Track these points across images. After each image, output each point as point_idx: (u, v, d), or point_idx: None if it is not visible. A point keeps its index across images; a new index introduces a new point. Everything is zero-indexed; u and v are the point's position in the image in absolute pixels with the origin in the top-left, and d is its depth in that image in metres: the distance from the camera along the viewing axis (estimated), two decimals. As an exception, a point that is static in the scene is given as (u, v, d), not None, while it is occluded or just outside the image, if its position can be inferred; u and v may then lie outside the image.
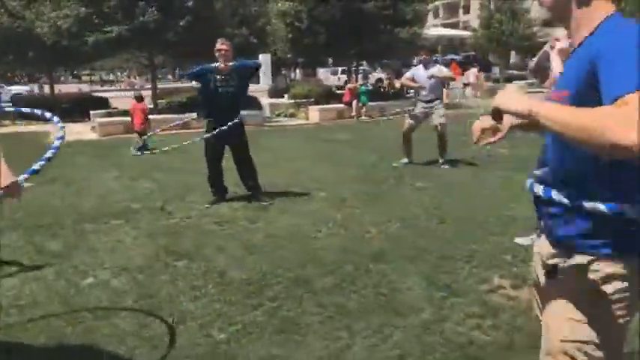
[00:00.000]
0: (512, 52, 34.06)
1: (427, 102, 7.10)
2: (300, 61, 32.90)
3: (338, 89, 20.27)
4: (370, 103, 15.50)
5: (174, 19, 13.09)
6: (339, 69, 29.70)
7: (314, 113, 14.98)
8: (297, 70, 41.25)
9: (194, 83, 6.10)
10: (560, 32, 3.70)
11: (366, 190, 5.93)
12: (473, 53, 30.98)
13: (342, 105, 15.51)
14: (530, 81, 31.34)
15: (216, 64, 5.28)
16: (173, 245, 4.26)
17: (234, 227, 4.72)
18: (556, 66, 3.62)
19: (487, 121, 1.64)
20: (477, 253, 3.89)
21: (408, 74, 7.52)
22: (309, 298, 3.22)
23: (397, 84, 21.91)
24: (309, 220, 4.84)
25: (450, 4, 67.81)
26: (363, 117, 15.03)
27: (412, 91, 8.43)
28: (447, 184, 6.17)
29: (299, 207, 5.33)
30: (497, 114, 1.43)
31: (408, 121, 7.31)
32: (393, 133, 10.96)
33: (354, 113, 15.06)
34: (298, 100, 17.22)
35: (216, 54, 5.31)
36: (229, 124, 5.22)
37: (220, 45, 5.29)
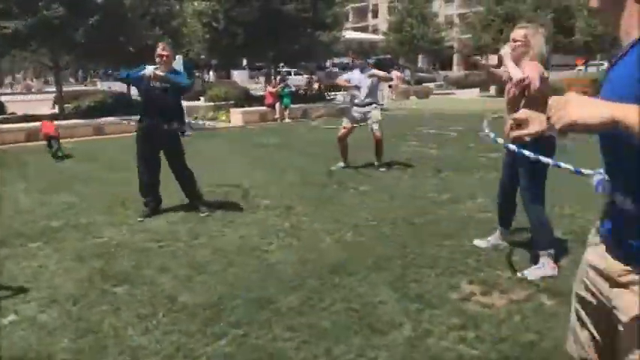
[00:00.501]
0: (419, 56, 35.45)
1: (363, 106, 6.99)
2: (214, 62, 32.08)
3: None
4: (292, 106, 15.31)
5: (81, 17, 12.08)
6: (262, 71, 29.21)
7: (237, 116, 14.52)
8: (211, 72, 40.24)
9: (104, 86, 5.61)
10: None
11: (310, 196, 5.69)
12: (389, 56, 31.89)
13: (264, 107, 15.18)
14: (439, 83, 32.82)
15: (147, 71, 4.84)
16: (108, 268, 3.76)
17: (175, 243, 4.29)
18: (511, 68, 3.57)
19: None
20: (439, 259, 3.78)
21: (344, 77, 7.38)
22: (278, 321, 2.92)
23: (316, 85, 21.95)
24: (257, 232, 4.51)
25: (359, 9, 69.40)
26: (287, 119, 14.81)
27: (346, 93, 8.32)
28: (389, 186, 6.08)
29: (243, 217, 4.98)
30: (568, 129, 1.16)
31: (345, 125, 7.16)
32: (321, 136, 10.87)
33: (277, 116, 14.79)
34: (217, 103, 16.66)
35: (157, 59, 4.89)
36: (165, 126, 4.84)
37: (161, 50, 4.90)
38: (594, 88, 21.57)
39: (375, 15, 71.93)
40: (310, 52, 17.45)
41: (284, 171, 7.14)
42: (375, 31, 66.09)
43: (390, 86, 22.30)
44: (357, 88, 6.95)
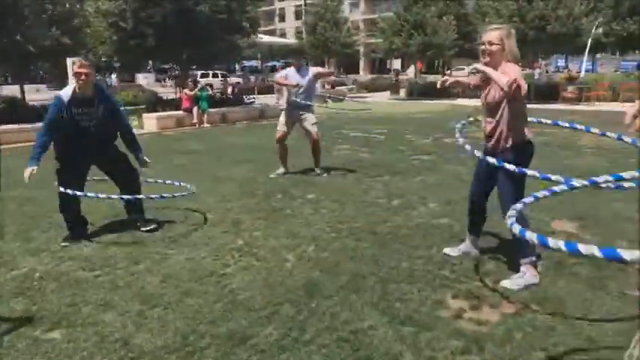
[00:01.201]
0: (330, 60, 35.78)
1: (300, 108, 6.66)
2: (117, 65, 30.16)
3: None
4: (210, 110, 14.63)
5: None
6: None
7: (150, 121, 13.58)
8: (113, 76, 37.92)
9: None
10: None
11: (256, 208, 5.26)
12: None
13: (181, 112, 14.36)
14: (351, 86, 33.28)
15: (66, 93, 4.17)
16: (36, 309, 3.12)
17: (114, 271, 3.69)
18: (496, 75, 3.41)
19: None
20: (415, 272, 3.55)
21: (282, 73, 6.95)
22: (261, 362, 2.52)
23: (229, 89, 21.28)
24: (207, 252, 4.02)
25: (266, 12, 69.06)
26: (206, 124, 14.11)
27: (278, 94, 7.91)
28: (336, 193, 5.80)
29: (186, 236, 4.45)
30: None
31: (281, 129, 6.80)
32: (249, 141, 10.41)
33: (195, 120, 14.04)
34: (127, 108, 15.51)
35: (74, 79, 4.16)
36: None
37: (79, 68, 4.11)
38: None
39: (282, 19, 72.03)
40: (226, 55, 16.82)
41: (218, 180, 6.62)
42: (282, 34, 66.13)
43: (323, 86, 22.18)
44: (297, 86, 6.62)
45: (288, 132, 6.81)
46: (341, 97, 19.80)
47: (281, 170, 6.85)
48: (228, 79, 23.33)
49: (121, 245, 4.22)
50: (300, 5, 62.58)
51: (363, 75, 49.47)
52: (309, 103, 6.67)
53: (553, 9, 19.70)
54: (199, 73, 30.18)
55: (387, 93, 28.08)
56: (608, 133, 3.55)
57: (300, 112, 6.70)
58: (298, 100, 6.57)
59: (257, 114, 16.07)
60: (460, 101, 22.15)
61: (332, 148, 9.04)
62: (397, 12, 24.60)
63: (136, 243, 4.28)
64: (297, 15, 67.42)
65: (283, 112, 6.88)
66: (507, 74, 3.12)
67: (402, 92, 27.31)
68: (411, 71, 37.66)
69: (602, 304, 3.01)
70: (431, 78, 31.14)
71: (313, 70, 6.74)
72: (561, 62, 41.16)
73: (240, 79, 32.57)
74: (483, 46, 3.34)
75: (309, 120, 6.70)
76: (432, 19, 23.95)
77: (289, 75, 6.61)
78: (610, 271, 3.49)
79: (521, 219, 3.38)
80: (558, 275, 3.43)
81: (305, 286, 3.34)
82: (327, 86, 22.86)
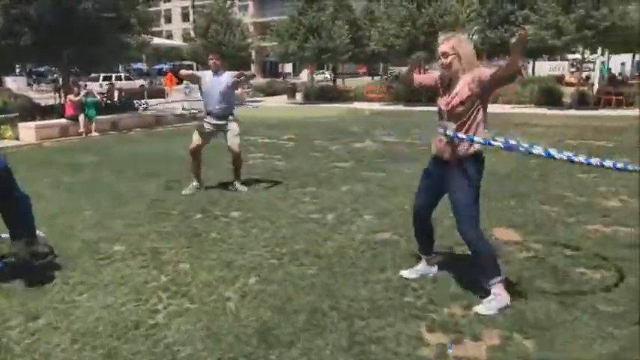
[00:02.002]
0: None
1: (216, 115, 6.02)
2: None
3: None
4: (99, 117, 13.26)
5: None
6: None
7: (28, 131, 11.94)
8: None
9: None
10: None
11: (176, 232, 4.56)
12: (188, 62, 30.48)
13: (64, 120, 12.82)
14: (248, 90, 32.55)
15: None
16: None
17: (6, 332, 2.87)
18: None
19: None
20: (378, 302, 3.16)
21: (197, 73, 6.17)
22: None
23: (116, 94, 19.67)
24: (126, 295, 3.31)
25: (152, 13, 65.87)
26: (94, 133, 12.73)
27: (186, 100, 7.14)
28: (262, 209, 5.26)
29: (96, 274, 3.67)
30: None
31: (196, 139, 6.10)
32: (149, 150, 9.44)
33: (82, 129, 12.60)
34: (-3, 117, 13.58)
35: None
36: None
37: None
38: (390, 94, 23.66)
39: (169, 20, 69.15)
40: (113, 56, 15.39)
41: (122, 199, 5.77)
42: (169, 36, 63.46)
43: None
44: (207, 95, 5.96)
45: (204, 143, 6.13)
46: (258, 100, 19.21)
47: (194, 185, 6.15)
48: (113, 83, 21.46)
49: (11, 295, 3.35)
50: (187, 7, 60.51)
51: (258, 78, 48.84)
52: (228, 111, 6.05)
53: (441, 15, 20.65)
54: (103, 75, 27.84)
55: (284, 97, 27.82)
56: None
57: (221, 123, 6.04)
58: (215, 106, 5.92)
59: (152, 120, 14.88)
60: (357, 104, 22.49)
61: (244, 156, 8.41)
62: (292, 15, 24.36)
63: (30, 288, 3.43)
64: (185, 17, 65.11)
65: (201, 121, 6.19)
66: (469, 87, 2.93)
67: (299, 96, 27.23)
68: (304, 75, 37.77)
69: (584, 325, 2.83)
70: (324, 82, 31.47)
71: (233, 73, 6.12)
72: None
73: (145, 82, 30.54)
74: (440, 60, 3.06)
75: (232, 131, 6.06)
76: (328, 23, 24.03)
77: (205, 78, 5.93)
78: (571, 284, 3.36)
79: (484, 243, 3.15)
80: (525, 293, 3.22)
81: (258, 333, 2.80)
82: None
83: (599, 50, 21.09)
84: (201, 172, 6.24)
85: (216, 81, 5.91)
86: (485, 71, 2.99)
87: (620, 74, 24.16)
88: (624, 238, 4.24)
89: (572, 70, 36.25)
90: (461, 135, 2.99)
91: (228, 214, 5.13)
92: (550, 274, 3.53)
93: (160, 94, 24.96)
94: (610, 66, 23.68)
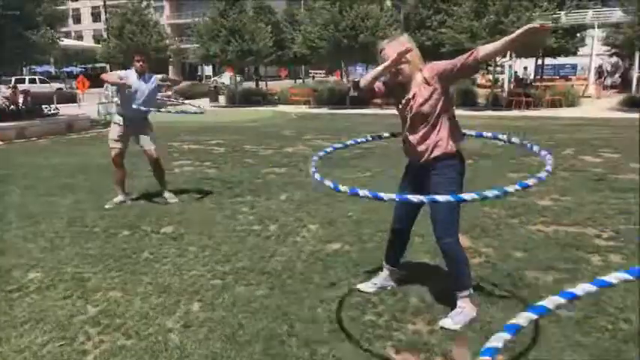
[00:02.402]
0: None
1: (135, 120, 5.52)
2: None
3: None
4: (1, 124, 12.07)
5: None
6: None
7: None
8: None
9: None
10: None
11: (102, 254, 4.06)
12: (104, 64, 28.84)
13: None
14: (168, 93, 31.35)
15: None
16: None
17: None
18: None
19: None
20: (337, 323, 2.92)
21: (120, 73, 5.62)
22: None
23: (20, 98, 18.14)
24: (49, 334, 2.83)
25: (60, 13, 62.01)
26: (-2, 142, 11.56)
27: (106, 100, 6.54)
28: (199, 223, 4.85)
29: (11, 310, 3.13)
30: None
31: (115, 145, 5.56)
32: (60, 160, 8.62)
33: (-18, 139, 11.39)
34: None
35: None
36: None
37: None
38: (315, 97, 23.64)
39: (78, 20, 65.41)
40: (19, 58, 14.10)
41: (35, 218, 5.11)
42: (79, 37, 60.05)
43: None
44: (128, 98, 5.46)
45: (124, 148, 5.61)
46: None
47: (119, 198, 5.61)
48: (17, 87, 19.69)
49: None
50: (98, 7, 57.39)
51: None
52: (146, 116, 5.57)
53: (362, 19, 20.90)
54: (15, 78, 25.42)
55: (206, 100, 27.02)
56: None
57: (136, 126, 5.55)
58: (134, 109, 5.43)
59: (64, 127, 13.79)
60: (282, 107, 22.26)
61: (170, 164, 7.92)
62: (213, 17, 23.68)
63: None
64: (96, 17, 61.80)
65: (114, 125, 5.64)
66: (437, 66, 2.79)
67: (222, 99, 26.54)
68: (225, 78, 36.97)
69: (551, 335, 2.74)
70: (247, 85, 30.95)
71: (159, 77, 5.66)
72: (360, 70, 44.22)
73: (62, 86, 28.32)
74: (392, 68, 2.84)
75: (148, 135, 5.59)
76: (250, 26, 23.61)
77: (129, 78, 5.41)
78: (529, 290, 3.30)
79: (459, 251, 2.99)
80: (487, 303, 3.11)
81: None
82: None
83: (508, 54, 22.26)
84: (126, 183, 5.72)
85: (141, 84, 5.43)
86: (440, 64, 2.84)
87: (523, 78, 25.73)
88: (565, 238, 4.30)
89: (484, 72, 38.34)
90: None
91: (159, 229, 4.68)
92: (507, 280, 3.46)
93: (72, 98, 23.38)
94: (516, 70, 25.08)
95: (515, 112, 17.97)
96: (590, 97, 22.51)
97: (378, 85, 3.03)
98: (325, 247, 4.18)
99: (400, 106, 2.99)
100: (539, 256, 3.87)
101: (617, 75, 28.73)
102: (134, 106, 5.33)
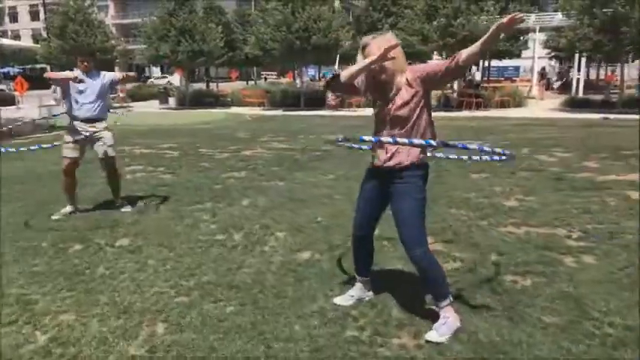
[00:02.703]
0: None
1: (90, 121, 5.13)
2: None
3: None
4: None
5: None
6: None
7: None
8: None
9: None
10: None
11: (51, 272, 3.68)
12: (46, 65, 27.42)
13: None
14: (113, 95, 30.34)
15: None
16: None
17: None
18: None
19: None
20: (318, 340, 2.71)
21: (68, 73, 5.17)
22: None
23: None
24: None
25: (-8, 10, 59.01)
26: None
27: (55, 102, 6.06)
28: (157, 234, 4.51)
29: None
30: None
31: (69, 154, 5.13)
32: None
33: None
34: None
35: None
36: None
37: None
38: (268, 98, 23.31)
39: (14, 19, 62.32)
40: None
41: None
42: (16, 37, 57.11)
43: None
44: (77, 99, 5.05)
45: (79, 157, 5.19)
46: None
47: (68, 209, 5.19)
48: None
49: None
50: (37, 5, 54.63)
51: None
52: (101, 116, 5.19)
53: (315, 21, 20.77)
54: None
55: (155, 102, 26.19)
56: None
57: (93, 130, 5.15)
58: (85, 112, 5.04)
59: (6, 132, 12.89)
60: (236, 109, 21.85)
61: (122, 170, 7.47)
62: (161, 16, 22.94)
63: None
64: (34, 15, 58.92)
65: (67, 132, 5.21)
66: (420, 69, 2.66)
67: (172, 101, 25.78)
68: (175, 79, 36.03)
69: (540, 343, 2.64)
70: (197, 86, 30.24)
71: (110, 75, 5.26)
72: (312, 71, 43.96)
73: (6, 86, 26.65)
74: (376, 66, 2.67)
75: (106, 140, 5.19)
76: (201, 26, 23.05)
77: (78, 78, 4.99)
78: (509, 295, 3.21)
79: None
80: (470, 311, 2.99)
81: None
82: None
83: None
84: (76, 192, 5.30)
85: (89, 83, 5.04)
86: (424, 67, 2.72)
87: (470, 79, 26.39)
88: (537, 239, 4.26)
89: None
90: (417, 140, 2.67)
91: (114, 242, 4.33)
92: (485, 286, 3.36)
93: (11, 100, 22.06)
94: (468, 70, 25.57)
95: (465, 113, 18.33)
96: (534, 98, 23.28)
97: (358, 81, 2.86)
98: (296, 256, 3.97)
99: (377, 107, 2.83)
100: (515, 259, 3.80)
101: (564, 79, 30.03)
102: (77, 112, 4.94)
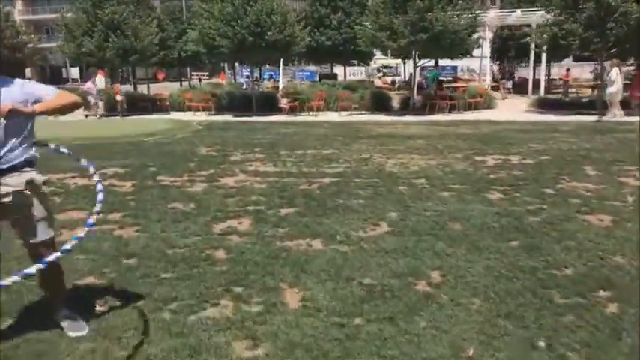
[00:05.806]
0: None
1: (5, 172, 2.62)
2: None
3: None
4: None
5: None
6: None
7: None
8: None
9: None
10: None
11: None
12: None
13: None
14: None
15: None
16: None
17: None
18: None
19: None
20: None
21: None
22: None
23: None
24: None
25: None
26: None
27: None
28: None
29: None
30: None
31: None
32: None
33: None
34: None
35: None
36: None
37: None
38: (214, 101, 20.60)
39: None
40: None
41: None
42: None
43: None
44: None
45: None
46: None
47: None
48: None
49: None
50: None
51: (35, 86, 40.91)
52: (31, 159, 2.69)
53: (268, 15, 18.37)
54: None
55: (82, 109, 22.65)
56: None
57: (9, 187, 2.64)
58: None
59: None
60: (177, 115, 18.96)
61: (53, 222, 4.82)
62: (84, 8, 19.62)
63: None
64: None
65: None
66: None
67: (100, 105, 22.34)
68: (99, 81, 32.18)
69: None
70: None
71: (29, 87, 2.74)
72: (245, 71, 41.04)
73: None
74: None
75: (33, 205, 2.70)
76: (134, 21, 19.96)
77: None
78: None
79: None
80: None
81: None
82: None
83: (415, 55, 20.94)
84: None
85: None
86: None
87: (441, 79, 25.01)
88: None
89: (380, 75, 37.69)
90: None
91: None
92: None
93: None
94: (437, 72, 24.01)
95: (439, 117, 16.66)
96: (496, 98, 22.23)
97: None
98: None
99: None
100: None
101: (513, 79, 29.62)
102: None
